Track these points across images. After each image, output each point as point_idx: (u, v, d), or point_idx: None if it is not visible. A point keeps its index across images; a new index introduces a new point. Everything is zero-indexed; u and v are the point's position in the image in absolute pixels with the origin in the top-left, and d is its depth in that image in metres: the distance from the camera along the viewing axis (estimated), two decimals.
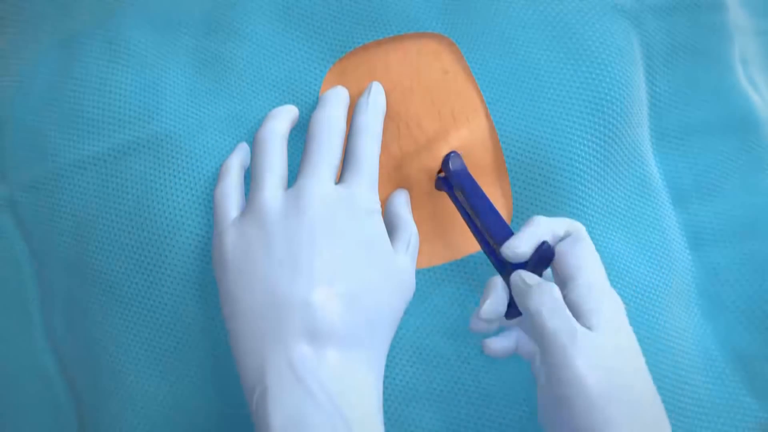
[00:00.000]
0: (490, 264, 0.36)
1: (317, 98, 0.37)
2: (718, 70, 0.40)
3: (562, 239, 0.31)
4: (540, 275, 0.31)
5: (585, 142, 0.35)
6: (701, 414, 0.35)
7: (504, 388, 0.35)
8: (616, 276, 0.36)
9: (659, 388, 0.35)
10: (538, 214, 0.35)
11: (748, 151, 0.39)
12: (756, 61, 0.45)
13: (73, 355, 0.38)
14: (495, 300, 0.30)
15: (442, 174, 0.35)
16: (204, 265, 0.34)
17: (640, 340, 0.35)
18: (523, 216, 0.35)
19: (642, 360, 0.29)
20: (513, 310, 0.31)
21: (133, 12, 0.39)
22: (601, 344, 0.27)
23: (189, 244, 0.34)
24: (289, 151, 0.36)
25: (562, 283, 0.30)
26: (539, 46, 0.36)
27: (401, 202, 0.35)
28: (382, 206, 0.36)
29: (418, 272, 0.36)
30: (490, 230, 0.31)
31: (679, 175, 0.39)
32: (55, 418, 0.39)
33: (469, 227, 0.34)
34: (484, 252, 0.33)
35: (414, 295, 0.36)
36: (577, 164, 0.35)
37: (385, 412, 0.35)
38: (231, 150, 0.36)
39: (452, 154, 0.34)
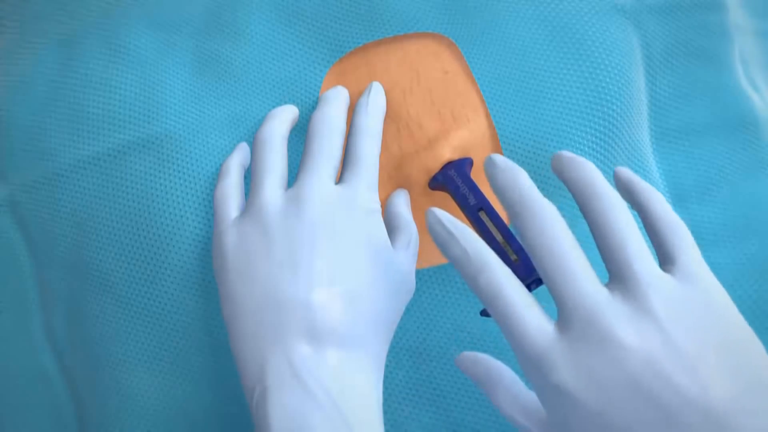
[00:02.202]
0: None
1: (317, 98, 0.37)
2: (718, 70, 0.40)
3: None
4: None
5: (585, 142, 0.35)
6: None
7: None
8: None
9: None
10: None
11: (748, 151, 0.39)
12: (756, 61, 0.45)
13: (73, 355, 0.38)
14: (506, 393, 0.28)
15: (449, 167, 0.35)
16: (204, 265, 0.34)
17: None
18: None
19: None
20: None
21: (134, 12, 0.39)
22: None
23: (189, 244, 0.34)
24: (289, 151, 0.36)
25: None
26: (539, 46, 0.36)
27: (401, 202, 0.35)
28: (382, 206, 0.36)
29: (418, 272, 0.36)
30: (500, 229, 0.32)
31: (679, 175, 0.39)
32: (55, 418, 0.39)
33: (474, 227, 0.33)
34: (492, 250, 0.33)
35: (414, 294, 0.36)
36: None
37: (385, 412, 0.35)
38: (231, 150, 0.36)
39: (468, 161, 0.35)
